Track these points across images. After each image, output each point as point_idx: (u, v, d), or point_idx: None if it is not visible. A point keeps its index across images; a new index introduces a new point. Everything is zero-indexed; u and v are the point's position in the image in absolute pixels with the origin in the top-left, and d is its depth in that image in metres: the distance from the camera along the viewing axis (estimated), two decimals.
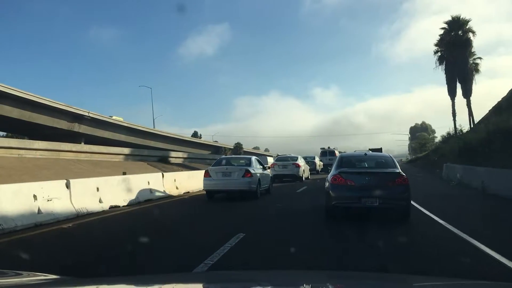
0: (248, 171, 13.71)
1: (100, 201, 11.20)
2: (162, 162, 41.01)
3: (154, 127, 51.83)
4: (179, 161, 45.81)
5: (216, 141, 69.71)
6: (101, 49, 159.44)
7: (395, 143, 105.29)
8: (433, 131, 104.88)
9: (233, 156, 23.50)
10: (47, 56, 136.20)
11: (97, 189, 11.28)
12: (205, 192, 14.36)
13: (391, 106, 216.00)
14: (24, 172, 21.61)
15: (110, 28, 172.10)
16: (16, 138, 36.79)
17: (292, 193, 16.33)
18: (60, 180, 10.28)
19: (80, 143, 35.58)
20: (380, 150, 39.14)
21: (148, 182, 14.28)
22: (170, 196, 14.97)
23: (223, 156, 19.68)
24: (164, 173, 16.22)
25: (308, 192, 16.70)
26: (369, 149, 34.75)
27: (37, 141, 29.68)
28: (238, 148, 68.39)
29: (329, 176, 9.47)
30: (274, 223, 9.29)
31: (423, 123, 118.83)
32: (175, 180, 16.39)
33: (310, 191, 16.86)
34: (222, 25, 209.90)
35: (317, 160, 33.20)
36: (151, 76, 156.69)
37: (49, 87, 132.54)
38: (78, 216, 9.87)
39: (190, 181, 17.43)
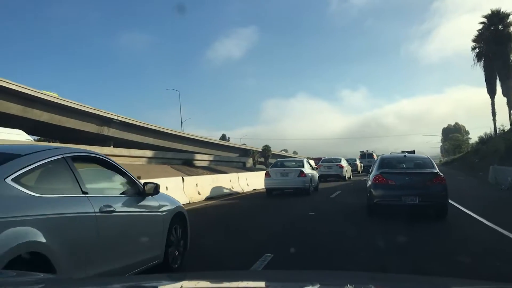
0: (302, 172, 15.81)
1: None
2: (186, 165, 39.38)
3: (182, 130, 51.70)
4: (205, 164, 44.08)
5: (244, 144, 69.11)
6: (131, 54, 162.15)
7: (427, 145, 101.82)
8: (467, 132, 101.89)
9: (287, 159, 24.21)
10: (78, 61, 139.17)
11: None
12: (230, 201, 15.27)
13: (421, 107, 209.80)
14: None
15: (139, 33, 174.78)
16: (45, 142, 37.19)
17: (334, 192, 16.88)
18: None
19: (110, 147, 35.57)
20: (413, 152, 39.17)
21: (166, 188, 12.75)
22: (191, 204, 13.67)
23: (279, 159, 20.02)
24: (185, 177, 15.06)
25: (354, 190, 17.57)
26: (402, 151, 35.29)
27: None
28: (266, 150, 67.43)
29: (371, 176, 10.21)
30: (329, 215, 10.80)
31: (456, 124, 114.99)
32: (197, 184, 15.31)
33: (357, 189, 17.10)
34: (250, 28, 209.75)
35: (358, 162, 36.00)
36: (179, 80, 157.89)
37: (79, 92, 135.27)
38: None
39: (214, 185, 16.55)
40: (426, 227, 8.29)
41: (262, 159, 66.97)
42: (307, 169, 16.21)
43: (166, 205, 5.20)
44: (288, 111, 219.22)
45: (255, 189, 19.47)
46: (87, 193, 3.77)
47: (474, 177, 23.80)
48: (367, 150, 41.96)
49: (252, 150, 63.71)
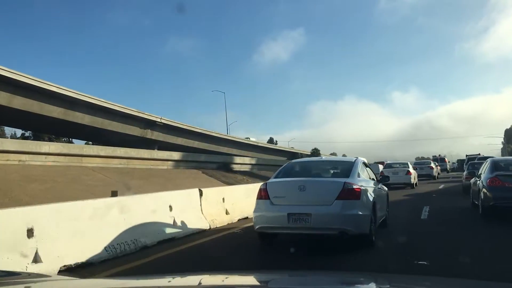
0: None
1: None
2: (223, 169, 33.99)
3: (228, 133, 49.85)
4: (246, 168, 39.95)
5: (292, 147, 66.56)
6: (177, 59, 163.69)
7: (486, 147, 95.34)
8: None
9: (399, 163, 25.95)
10: (126, 66, 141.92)
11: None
12: None
13: (478, 108, 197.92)
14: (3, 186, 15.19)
15: (187, 38, 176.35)
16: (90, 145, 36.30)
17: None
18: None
19: (154, 150, 33.89)
20: (478, 155, 40.22)
21: (170, 208, 8.47)
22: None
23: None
24: (205, 189, 10.07)
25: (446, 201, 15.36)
26: (466, 156, 40.36)
27: (47, 143, 25.31)
28: (315, 154, 64.80)
29: (484, 180, 10.33)
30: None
31: None
32: (223, 199, 10.63)
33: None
34: (297, 30, 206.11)
35: (433, 164, 34.95)
36: (226, 84, 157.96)
37: (127, 96, 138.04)
38: None
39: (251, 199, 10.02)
40: None
41: None
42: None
43: (385, 189, 9.56)
44: (336, 114, 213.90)
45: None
46: (373, 179, 8.46)
47: None
48: (439, 155, 44.99)
49: (301, 153, 60.97)
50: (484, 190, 10.08)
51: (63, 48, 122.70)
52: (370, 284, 2.17)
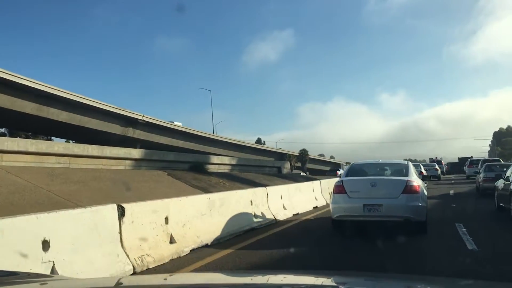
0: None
1: None
2: (195, 171, 27.75)
3: (214, 133, 48.47)
4: (225, 169, 35.57)
5: (280, 148, 65.41)
6: (166, 58, 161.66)
7: (473, 149, 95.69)
8: None
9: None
10: (115, 64, 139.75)
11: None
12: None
13: (465, 110, 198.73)
14: None
15: (175, 37, 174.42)
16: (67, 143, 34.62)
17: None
18: None
19: (107, 146, 27.74)
20: (470, 158, 40.89)
21: (45, 245, 4.76)
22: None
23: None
24: (129, 205, 6.32)
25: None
26: (459, 158, 43.04)
27: None
28: (303, 155, 63.76)
29: None
30: None
31: (509, 127, 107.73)
32: (166, 219, 7.00)
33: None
34: (286, 30, 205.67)
35: (437, 166, 35.11)
36: (214, 84, 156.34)
37: (114, 94, 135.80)
38: None
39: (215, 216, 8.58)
40: None
41: (299, 164, 63.35)
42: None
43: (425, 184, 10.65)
44: (325, 115, 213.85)
45: (297, 214, 12.49)
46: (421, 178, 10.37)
47: None
48: (436, 158, 44.88)
49: (289, 154, 59.80)
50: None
51: (49, 44, 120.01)
52: (370, 284, 2.14)
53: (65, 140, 38.49)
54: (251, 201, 10.02)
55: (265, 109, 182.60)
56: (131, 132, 34.77)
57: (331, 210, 8.94)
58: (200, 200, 8.31)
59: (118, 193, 12.27)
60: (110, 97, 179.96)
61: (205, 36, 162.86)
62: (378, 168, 10.17)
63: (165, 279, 2.58)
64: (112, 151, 24.61)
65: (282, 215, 11.45)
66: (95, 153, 23.22)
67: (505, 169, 14.03)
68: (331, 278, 2.38)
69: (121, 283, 2.30)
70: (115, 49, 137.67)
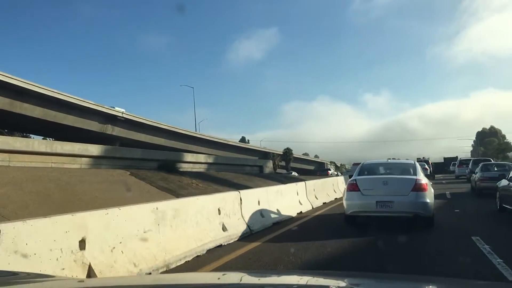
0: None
1: None
2: (166, 170, 24.51)
3: (196, 130, 47.72)
4: (200, 168, 32.86)
5: (264, 147, 64.93)
6: (148, 55, 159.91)
7: (457, 150, 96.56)
8: (504, 137, 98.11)
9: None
10: (96, 61, 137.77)
11: None
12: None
13: (449, 111, 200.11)
14: None
15: (160, 35, 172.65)
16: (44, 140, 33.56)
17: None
18: None
19: (57, 141, 28.11)
20: (456, 158, 42.94)
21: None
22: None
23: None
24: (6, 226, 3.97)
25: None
26: (444, 158, 43.43)
27: None
28: (287, 154, 63.34)
29: None
30: None
31: (492, 127, 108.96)
32: (81, 244, 4.77)
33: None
34: (271, 29, 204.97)
35: (427, 166, 35.69)
36: (198, 82, 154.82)
37: (95, 92, 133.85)
38: None
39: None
40: None
41: (283, 163, 62.97)
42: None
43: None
44: (309, 114, 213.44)
45: (277, 223, 10.24)
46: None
47: None
48: (423, 157, 44.37)
49: (273, 153, 59.33)
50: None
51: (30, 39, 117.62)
52: (370, 284, 2.18)
53: (43, 137, 37.38)
54: (218, 210, 8.04)
55: (250, 108, 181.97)
56: (110, 129, 33.89)
57: (344, 206, 9.48)
58: (142, 212, 5.98)
59: (61, 197, 10.52)
60: (92, 96, 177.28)
61: (189, 34, 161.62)
62: (388, 167, 10.92)
63: (167, 279, 2.58)
64: (64, 146, 21.90)
65: (259, 226, 9.34)
66: (42, 149, 20.46)
67: (506, 169, 14.29)
68: (334, 279, 2.35)
69: (121, 283, 2.25)
70: (98, 47, 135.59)
